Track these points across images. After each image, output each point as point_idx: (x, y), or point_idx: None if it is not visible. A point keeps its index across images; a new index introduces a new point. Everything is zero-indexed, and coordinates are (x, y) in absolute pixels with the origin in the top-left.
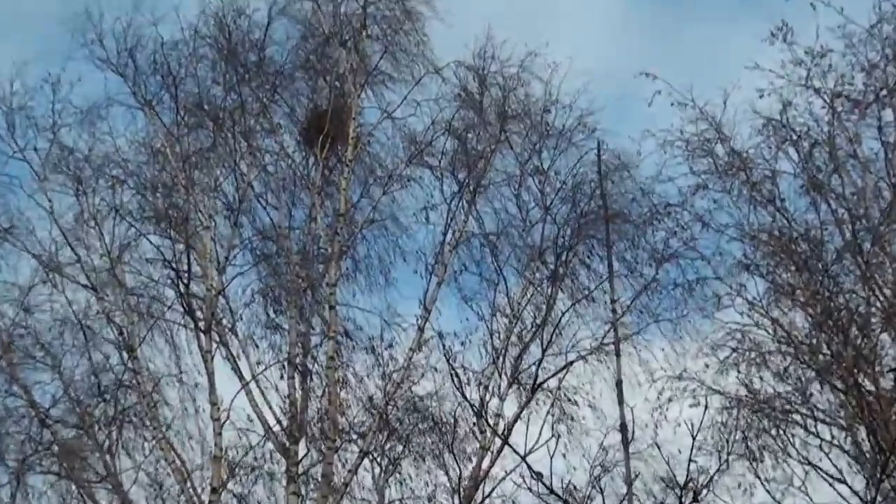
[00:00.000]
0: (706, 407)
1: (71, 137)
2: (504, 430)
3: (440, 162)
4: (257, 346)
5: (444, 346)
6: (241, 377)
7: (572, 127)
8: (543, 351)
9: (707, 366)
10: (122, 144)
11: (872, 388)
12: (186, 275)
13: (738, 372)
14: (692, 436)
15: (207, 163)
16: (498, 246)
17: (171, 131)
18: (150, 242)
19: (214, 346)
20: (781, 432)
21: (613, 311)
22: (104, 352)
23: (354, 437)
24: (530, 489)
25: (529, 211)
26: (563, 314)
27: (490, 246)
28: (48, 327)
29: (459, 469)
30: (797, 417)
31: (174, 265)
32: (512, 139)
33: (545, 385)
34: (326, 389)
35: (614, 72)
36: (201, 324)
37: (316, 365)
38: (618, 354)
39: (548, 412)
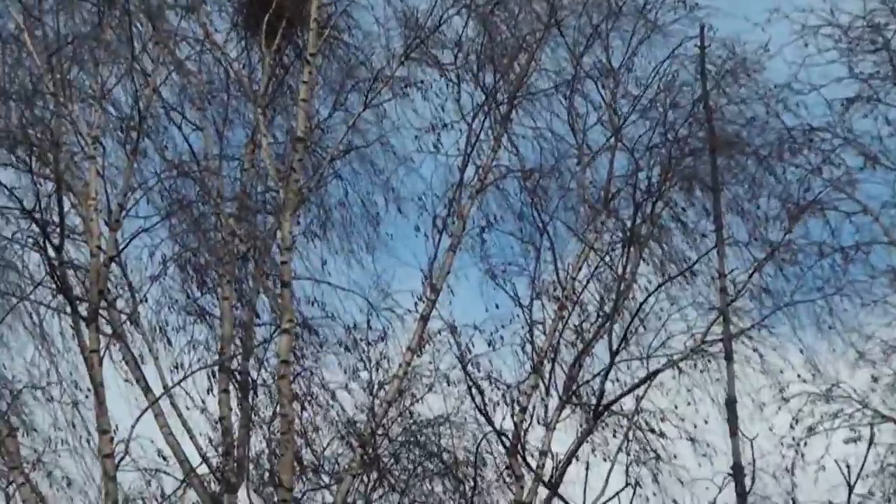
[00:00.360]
0: (871, 442)
1: None
2: (552, 474)
3: (456, 57)
4: (170, 343)
5: (458, 345)
6: (146, 390)
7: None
8: (614, 354)
9: (875, 379)
10: None
11: None
12: (58, 231)
13: None
14: (848, 484)
15: (89, 56)
16: (543, 190)
17: (27, 6)
18: None
19: (104, 342)
20: None
21: (723, 291)
22: None
23: (324, 482)
24: None
25: (588, 132)
26: (647, 298)
27: (530, 190)
28: None
29: None
30: None
31: (38, 216)
32: (566, 24)
33: (616, 406)
34: (279, 409)
35: None
36: (82, 308)
37: (263, 372)
38: (729, 359)
39: (620, 447)
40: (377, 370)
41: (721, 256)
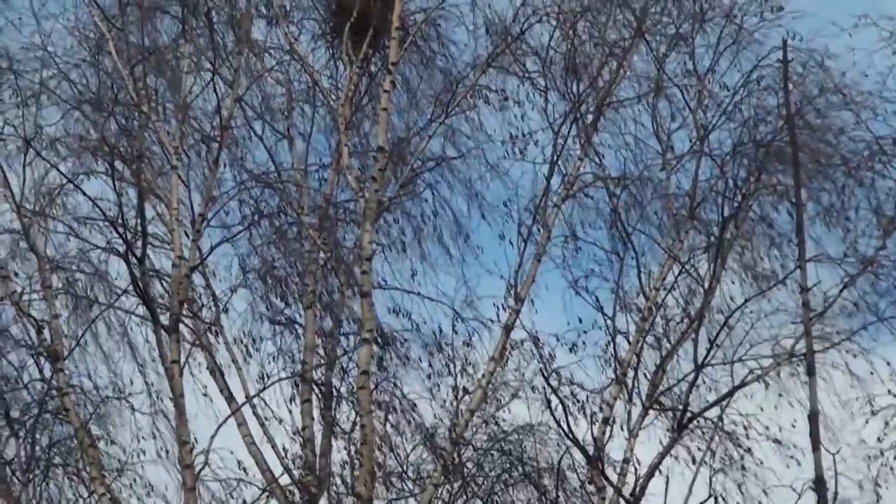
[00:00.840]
0: None
1: None
2: (635, 485)
3: (542, 66)
4: (250, 355)
5: (541, 355)
6: (229, 400)
7: (743, 6)
8: (699, 365)
9: None
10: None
11: None
12: (141, 241)
13: None
14: None
15: (172, 67)
16: (631, 199)
17: (110, 17)
18: (82, 192)
19: (185, 352)
20: None
21: (805, 305)
22: (15, 360)
23: (408, 489)
24: None
25: (672, 138)
26: (735, 310)
27: (615, 199)
28: None
29: None
30: None
31: (121, 225)
32: (651, 31)
33: (701, 417)
34: (360, 419)
35: None
36: (164, 318)
37: (345, 383)
38: (811, 373)
39: (703, 458)
40: (462, 376)
41: (803, 270)
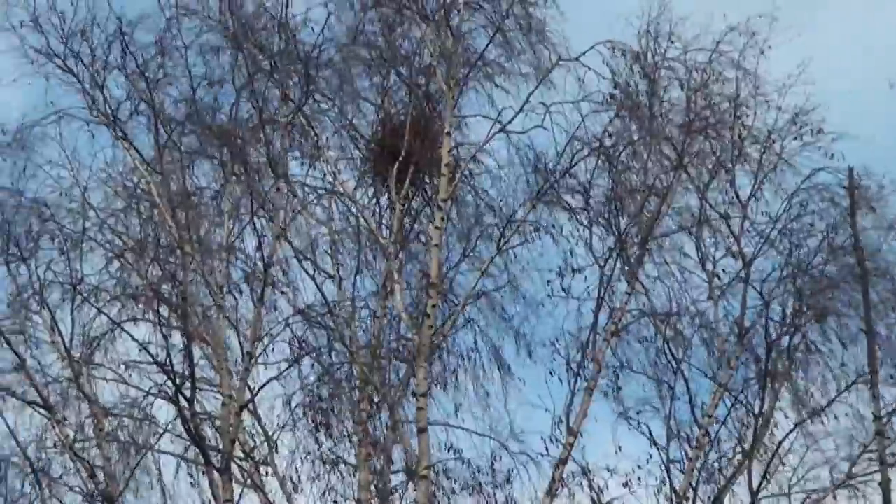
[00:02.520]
0: None
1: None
2: None
3: (586, 202)
4: (301, 492)
5: (593, 488)
6: None
7: (782, 130)
8: (755, 493)
9: None
10: (71, 181)
11: None
12: (190, 383)
13: None
14: None
15: (213, 210)
16: (677, 331)
17: (149, 161)
18: (131, 337)
19: (237, 491)
20: None
21: (879, 434)
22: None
23: None
24: None
25: (717, 267)
26: (786, 436)
27: (664, 332)
28: None
29: None
30: None
31: (170, 368)
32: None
33: None
34: None
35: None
36: (216, 458)
37: None
38: (886, 490)
39: None
40: None
41: (877, 399)
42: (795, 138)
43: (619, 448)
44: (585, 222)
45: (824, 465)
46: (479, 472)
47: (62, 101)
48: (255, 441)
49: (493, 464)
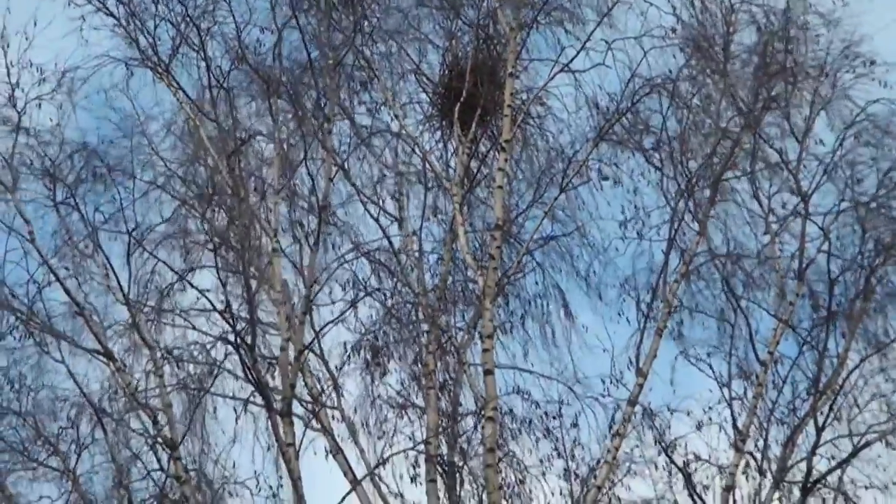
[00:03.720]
0: None
1: (41, 117)
2: None
3: (657, 142)
4: (368, 434)
5: (657, 430)
6: (353, 482)
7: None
8: (820, 430)
9: None
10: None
11: None
12: (250, 328)
13: None
14: None
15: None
16: (739, 269)
17: (199, 106)
18: (191, 285)
19: (299, 435)
20: None
21: None
22: (132, 449)
23: None
24: None
25: (772, 199)
26: (850, 374)
27: (725, 271)
28: (44, 412)
29: None
30: None
31: (230, 314)
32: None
33: (822, 484)
34: (488, 497)
35: None
36: (277, 402)
37: (467, 462)
38: None
39: None
40: (573, 458)
41: None
42: (848, 71)
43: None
44: (658, 162)
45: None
46: (546, 415)
47: (100, 45)
48: (319, 384)
49: (560, 408)
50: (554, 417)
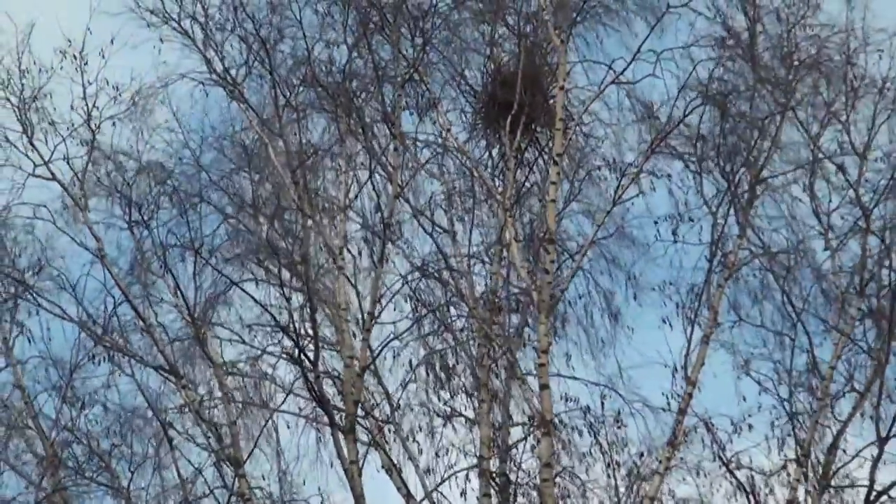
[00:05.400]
0: None
1: (116, 137)
2: None
3: (696, 147)
4: (421, 452)
5: (715, 441)
6: (407, 497)
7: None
8: (883, 440)
9: None
10: (193, 142)
11: None
12: (313, 344)
13: None
14: None
15: (331, 167)
16: (793, 277)
17: (266, 122)
18: (253, 299)
19: (362, 452)
20: None
21: None
22: (194, 463)
23: None
24: None
25: (831, 212)
26: None
27: (781, 278)
28: (106, 429)
29: None
30: None
31: (292, 330)
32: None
33: (888, 496)
34: None
35: None
36: (339, 419)
37: (520, 474)
38: None
39: None
40: (617, 467)
41: None
42: None
43: (744, 398)
44: (695, 168)
45: None
46: (597, 422)
47: (174, 64)
48: (376, 400)
49: (617, 417)
50: (604, 424)
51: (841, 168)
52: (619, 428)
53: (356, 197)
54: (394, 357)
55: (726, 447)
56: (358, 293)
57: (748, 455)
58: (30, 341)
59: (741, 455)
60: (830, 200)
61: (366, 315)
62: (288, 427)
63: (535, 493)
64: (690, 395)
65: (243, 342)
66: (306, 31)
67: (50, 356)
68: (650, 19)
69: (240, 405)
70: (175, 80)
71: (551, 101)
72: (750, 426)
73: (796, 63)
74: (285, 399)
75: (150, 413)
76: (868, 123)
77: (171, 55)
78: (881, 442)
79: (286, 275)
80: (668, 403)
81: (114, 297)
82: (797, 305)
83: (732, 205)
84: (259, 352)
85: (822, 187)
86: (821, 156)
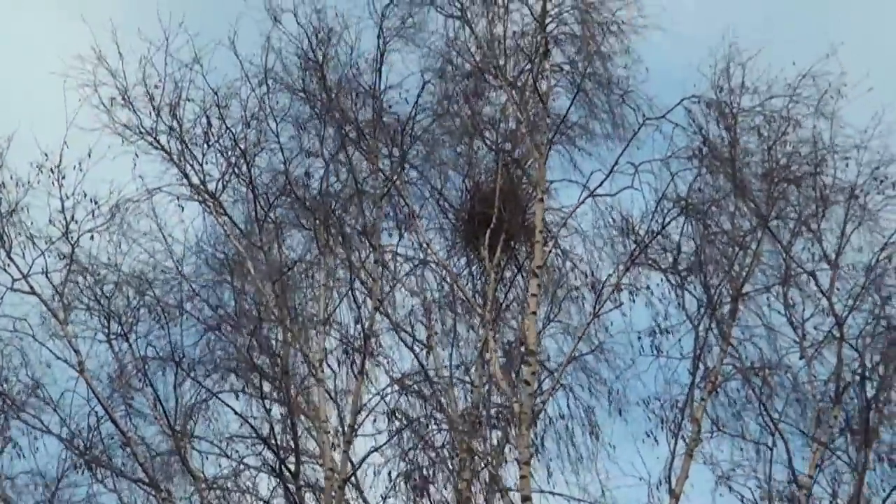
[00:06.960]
0: None
1: (94, 249)
2: None
3: (675, 261)
4: None
5: None
6: None
7: (864, 186)
8: None
9: None
10: (165, 254)
11: None
12: (294, 456)
13: None
14: None
15: (311, 281)
16: (770, 388)
17: (248, 236)
18: (234, 412)
19: None
20: None
21: None
22: None
23: None
24: None
25: (805, 322)
26: (888, 495)
27: (758, 389)
28: None
29: None
30: None
31: (273, 442)
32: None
33: None
34: None
35: None
36: None
37: None
38: None
39: None
40: None
41: None
42: (878, 192)
43: None
44: (676, 281)
45: None
46: None
47: (152, 176)
48: None
49: None
50: None
51: (813, 276)
52: None
53: (335, 310)
54: (375, 473)
55: None
56: (338, 406)
57: None
58: (20, 456)
59: None
60: (804, 309)
61: (346, 428)
62: None
63: None
64: None
65: (225, 455)
66: (283, 145)
67: (38, 471)
68: (626, 135)
69: None
70: (153, 194)
71: (530, 216)
72: None
73: (776, 180)
74: None
75: None
76: (838, 232)
77: (150, 167)
78: None
79: (267, 387)
80: None
81: (96, 414)
82: (774, 417)
83: (714, 318)
84: (240, 465)
85: (796, 294)
86: (794, 265)
